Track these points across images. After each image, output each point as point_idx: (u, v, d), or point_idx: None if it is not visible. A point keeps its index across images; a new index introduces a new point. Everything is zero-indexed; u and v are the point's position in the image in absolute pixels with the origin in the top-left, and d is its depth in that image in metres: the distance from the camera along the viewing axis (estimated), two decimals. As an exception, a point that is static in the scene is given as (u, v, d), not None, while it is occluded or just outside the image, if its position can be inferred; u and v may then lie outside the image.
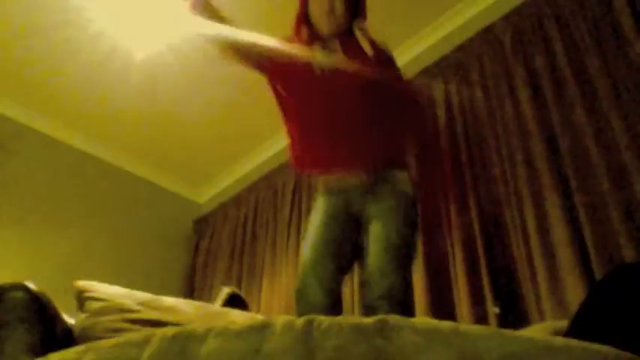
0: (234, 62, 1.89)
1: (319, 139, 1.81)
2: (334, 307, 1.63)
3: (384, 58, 1.85)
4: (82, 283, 1.68)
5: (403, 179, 1.79)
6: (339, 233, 1.74)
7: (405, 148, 1.94)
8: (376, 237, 1.66)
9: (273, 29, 1.91)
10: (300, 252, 1.80)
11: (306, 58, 1.79)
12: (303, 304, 1.65)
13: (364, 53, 1.78)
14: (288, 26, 1.91)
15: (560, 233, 2.19)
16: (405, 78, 1.98)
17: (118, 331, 1.47)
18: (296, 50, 1.83)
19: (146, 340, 0.86)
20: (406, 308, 1.59)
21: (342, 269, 1.73)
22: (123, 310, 1.57)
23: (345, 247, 1.74)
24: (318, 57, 1.78)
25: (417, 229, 1.77)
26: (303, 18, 1.86)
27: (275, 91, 1.87)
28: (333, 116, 1.77)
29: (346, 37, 1.83)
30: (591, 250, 2.08)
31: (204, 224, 4.52)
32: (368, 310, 1.58)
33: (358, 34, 1.82)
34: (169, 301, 1.74)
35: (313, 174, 1.86)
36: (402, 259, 1.64)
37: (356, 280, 2.90)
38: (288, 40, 1.87)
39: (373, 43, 1.81)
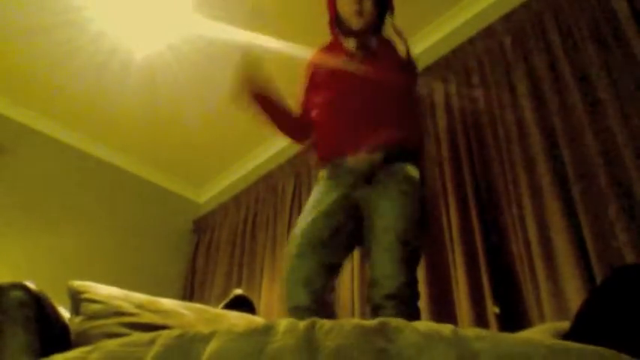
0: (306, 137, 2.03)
1: (343, 119, 1.81)
2: (319, 309, 1.59)
3: (412, 67, 1.90)
4: (77, 284, 1.64)
5: (412, 173, 1.76)
6: (327, 229, 1.69)
7: (419, 144, 1.92)
8: (382, 232, 1.63)
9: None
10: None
11: (338, 63, 1.89)
12: (287, 305, 1.63)
13: (395, 53, 1.83)
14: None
15: (560, 233, 2.19)
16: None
17: (115, 335, 1.42)
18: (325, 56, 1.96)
19: (151, 341, 0.87)
20: (413, 308, 1.58)
21: (328, 268, 1.69)
22: (120, 313, 1.53)
23: (332, 243, 1.69)
24: (349, 62, 1.87)
25: (423, 224, 1.74)
26: (335, 22, 1.94)
27: (310, 99, 1.95)
28: (363, 111, 1.80)
29: (379, 34, 1.90)
30: (591, 250, 2.08)
31: (204, 224, 4.52)
32: (375, 309, 1.57)
33: (389, 29, 1.88)
34: (167, 303, 1.71)
35: (331, 156, 1.84)
36: (408, 257, 1.61)
37: (356, 281, 2.91)
38: (326, 46, 1.98)
39: (407, 50, 1.85)
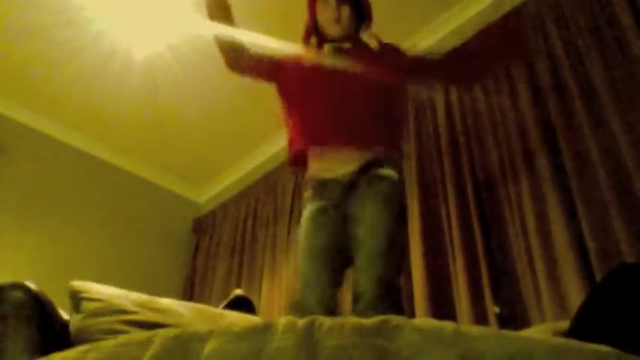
0: (238, 70, 1.97)
1: (321, 118, 1.83)
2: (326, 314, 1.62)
3: (389, 48, 1.95)
4: (77, 283, 1.65)
5: (391, 174, 1.77)
6: (329, 242, 1.72)
7: (399, 144, 1.94)
8: (363, 244, 1.65)
9: (280, 33, 1.99)
10: (297, 262, 1.79)
11: (314, 58, 1.91)
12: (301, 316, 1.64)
13: (371, 51, 1.90)
14: (295, 34, 2.01)
15: (560, 233, 2.19)
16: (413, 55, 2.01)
17: (114, 332, 1.45)
18: (302, 51, 1.96)
19: (149, 340, 0.87)
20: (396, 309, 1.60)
21: (337, 281, 1.72)
22: (119, 311, 1.54)
23: (337, 254, 1.72)
24: (326, 58, 1.89)
25: (403, 224, 1.78)
26: (313, 28, 1.98)
27: (279, 83, 1.95)
28: (337, 100, 1.82)
29: (355, 39, 1.95)
30: (591, 250, 2.08)
31: (204, 224, 4.52)
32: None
33: (364, 34, 1.95)
34: (166, 302, 1.72)
35: (308, 157, 1.85)
36: (390, 269, 1.63)
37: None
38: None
39: (379, 40, 1.92)
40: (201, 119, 3.95)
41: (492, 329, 0.81)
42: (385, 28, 2.04)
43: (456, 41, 3.05)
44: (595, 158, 2.21)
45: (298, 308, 1.66)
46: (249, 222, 4.03)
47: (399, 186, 1.78)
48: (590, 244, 2.08)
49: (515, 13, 2.83)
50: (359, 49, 1.93)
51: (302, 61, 1.94)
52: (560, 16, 2.62)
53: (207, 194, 4.70)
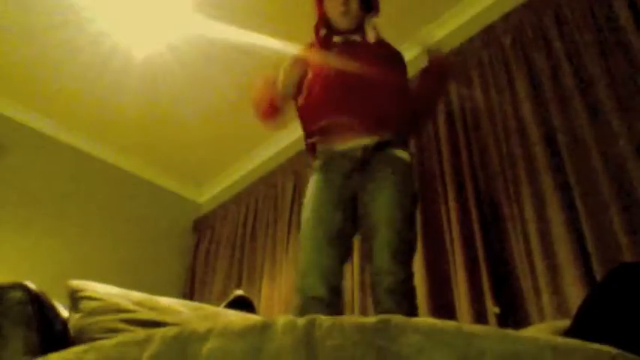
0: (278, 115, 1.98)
1: (337, 97, 1.84)
2: (337, 302, 1.63)
3: (390, 52, 1.98)
4: (75, 283, 1.64)
5: (404, 157, 1.79)
6: (338, 220, 1.71)
7: (410, 126, 1.96)
8: (379, 225, 1.66)
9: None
10: (299, 243, 1.78)
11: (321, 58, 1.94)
12: (304, 299, 1.64)
13: (378, 47, 1.94)
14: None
15: (560, 232, 2.19)
16: (407, 84, 2.00)
17: (114, 331, 1.44)
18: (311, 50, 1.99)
19: (147, 340, 0.86)
20: (412, 303, 1.63)
21: (342, 259, 1.72)
22: (119, 310, 1.54)
23: (344, 232, 1.72)
24: (332, 56, 1.92)
25: (417, 205, 1.79)
26: (322, 21, 1.99)
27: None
28: (353, 81, 1.84)
29: (362, 32, 1.97)
30: (591, 250, 2.08)
31: (204, 224, 4.52)
32: (376, 303, 1.62)
33: (367, 25, 1.96)
34: (165, 301, 1.72)
35: (322, 131, 1.86)
36: (406, 249, 1.66)
37: (356, 272, 2.90)
38: (309, 45, 2.01)
39: (379, 38, 1.95)
40: (201, 119, 3.95)
41: (493, 328, 0.81)
42: (382, 30, 2.04)
43: (457, 41, 3.06)
44: (595, 158, 2.21)
45: (300, 288, 1.65)
46: (250, 222, 4.03)
47: (411, 168, 1.80)
48: (590, 244, 2.08)
49: (515, 13, 2.83)
50: (367, 43, 1.95)
51: (316, 59, 1.95)
52: (560, 16, 2.62)
53: (207, 194, 4.70)
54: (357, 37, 1.96)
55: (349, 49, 1.92)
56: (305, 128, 1.94)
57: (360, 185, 1.75)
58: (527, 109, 2.54)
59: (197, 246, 4.43)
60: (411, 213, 1.72)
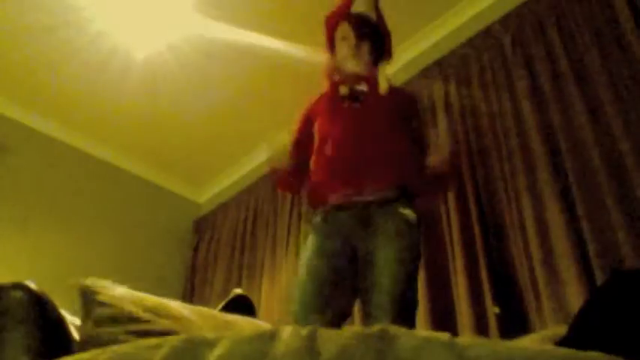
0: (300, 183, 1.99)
1: (341, 155, 1.79)
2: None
3: (401, 102, 1.92)
4: (88, 282, 1.58)
5: (408, 214, 1.72)
6: (333, 274, 1.67)
7: (416, 185, 1.84)
8: (379, 289, 1.59)
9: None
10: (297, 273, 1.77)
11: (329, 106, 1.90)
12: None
13: (384, 100, 1.87)
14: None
15: (559, 233, 2.19)
16: (421, 133, 1.96)
17: (124, 342, 1.41)
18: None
19: (159, 345, 0.92)
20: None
21: (339, 316, 1.67)
22: (132, 319, 1.50)
23: (341, 288, 1.68)
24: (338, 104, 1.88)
25: (418, 264, 1.72)
26: (333, 66, 1.95)
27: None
28: (357, 137, 1.79)
29: (373, 77, 1.92)
30: (591, 250, 2.08)
31: (204, 224, 4.52)
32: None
33: (380, 73, 1.92)
34: (176, 308, 1.67)
35: (327, 195, 1.81)
36: (405, 312, 1.59)
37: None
38: (321, 96, 1.98)
39: (392, 87, 1.90)
40: (201, 119, 3.95)
41: (488, 339, 0.85)
42: (393, 22, 2.02)
43: (457, 41, 3.06)
44: (595, 159, 2.21)
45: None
46: (250, 222, 4.04)
47: (416, 227, 1.72)
48: (590, 245, 2.09)
49: (515, 14, 2.83)
50: (375, 95, 1.87)
51: (324, 116, 1.91)
52: (560, 16, 2.62)
53: (207, 194, 4.70)
54: (363, 87, 1.88)
55: (358, 110, 1.84)
56: (311, 185, 1.89)
57: (363, 244, 1.68)
58: (527, 109, 2.55)
59: (197, 246, 4.43)
60: (413, 272, 1.65)
